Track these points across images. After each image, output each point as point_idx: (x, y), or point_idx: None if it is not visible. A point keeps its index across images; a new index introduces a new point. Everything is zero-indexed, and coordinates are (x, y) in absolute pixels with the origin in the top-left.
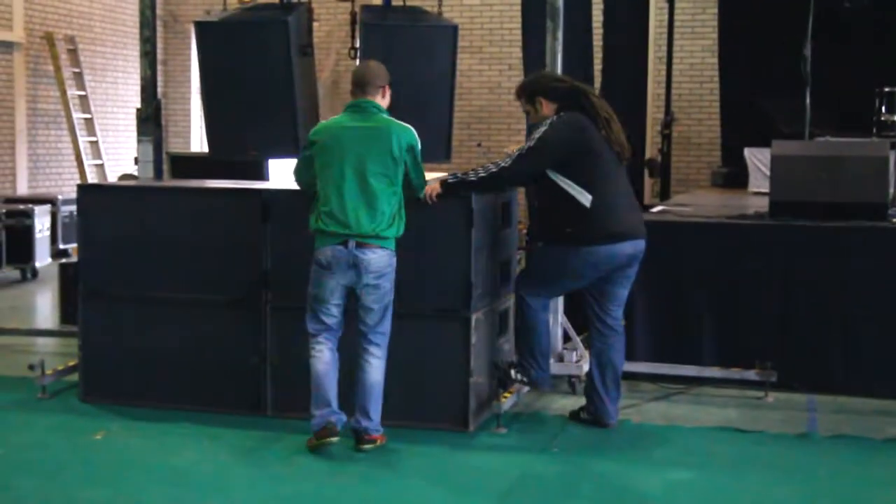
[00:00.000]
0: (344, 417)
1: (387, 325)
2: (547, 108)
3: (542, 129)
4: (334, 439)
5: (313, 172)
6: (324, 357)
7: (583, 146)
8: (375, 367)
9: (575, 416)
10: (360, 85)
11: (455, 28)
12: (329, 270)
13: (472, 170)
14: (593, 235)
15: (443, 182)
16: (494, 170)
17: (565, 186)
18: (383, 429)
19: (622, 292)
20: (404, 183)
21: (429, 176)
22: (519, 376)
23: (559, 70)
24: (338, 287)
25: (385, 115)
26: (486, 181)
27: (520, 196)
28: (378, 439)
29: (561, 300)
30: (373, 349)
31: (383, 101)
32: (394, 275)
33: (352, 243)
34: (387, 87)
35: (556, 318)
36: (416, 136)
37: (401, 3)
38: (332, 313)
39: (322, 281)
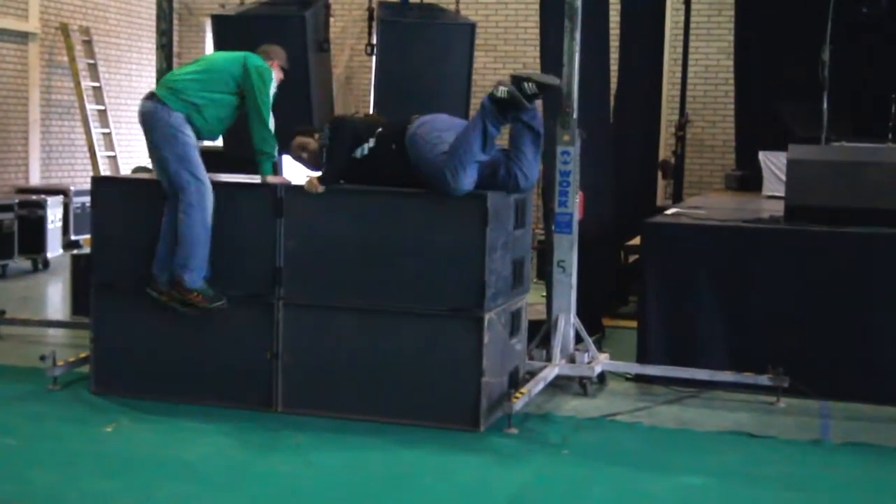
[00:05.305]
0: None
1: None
2: (314, 144)
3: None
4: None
5: None
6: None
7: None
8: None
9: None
10: None
11: (472, 26)
12: None
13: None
14: None
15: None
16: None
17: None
18: None
19: None
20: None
21: None
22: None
23: (576, 69)
24: None
25: None
26: (328, 167)
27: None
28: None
29: (574, 301)
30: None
31: None
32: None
33: None
34: None
35: (569, 319)
36: None
37: (417, 1)
38: None
39: None
